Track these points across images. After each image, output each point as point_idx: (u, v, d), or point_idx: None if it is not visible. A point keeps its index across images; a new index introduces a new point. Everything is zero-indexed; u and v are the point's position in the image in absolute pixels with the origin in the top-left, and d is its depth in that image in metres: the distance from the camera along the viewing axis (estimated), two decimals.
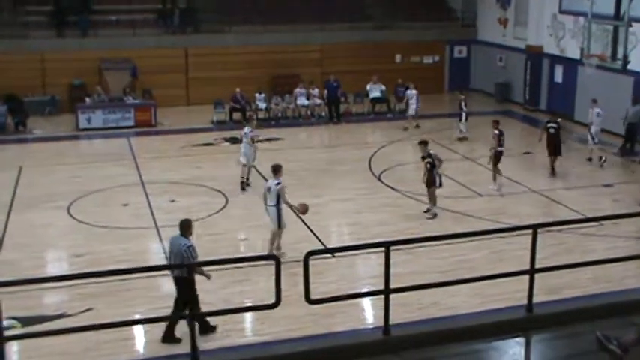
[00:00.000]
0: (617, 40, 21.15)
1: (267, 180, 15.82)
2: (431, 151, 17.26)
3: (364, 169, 21.37)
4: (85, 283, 12.07)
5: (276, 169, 14.72)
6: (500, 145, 19.05)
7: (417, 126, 26.18)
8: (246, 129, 19.54)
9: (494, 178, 19.23)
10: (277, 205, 14.46)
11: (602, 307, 9.46)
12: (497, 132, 19.14)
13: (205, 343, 10.79)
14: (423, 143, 17.43)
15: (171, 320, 11.42)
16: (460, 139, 24.43)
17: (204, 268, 11.13)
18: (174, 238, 11.40)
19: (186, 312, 10.88)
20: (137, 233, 16.28)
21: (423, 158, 17.24)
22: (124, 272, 11.13)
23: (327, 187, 19.72)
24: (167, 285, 13.15)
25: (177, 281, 11.26)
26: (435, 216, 17.14)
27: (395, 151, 23.63)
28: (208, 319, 11.53)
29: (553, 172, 20.46)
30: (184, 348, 9.74)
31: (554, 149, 20.24)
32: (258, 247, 15.64)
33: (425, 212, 17.36)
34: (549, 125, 20.42)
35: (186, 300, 11.01)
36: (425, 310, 12.16)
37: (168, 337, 11.36)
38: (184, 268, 11.00)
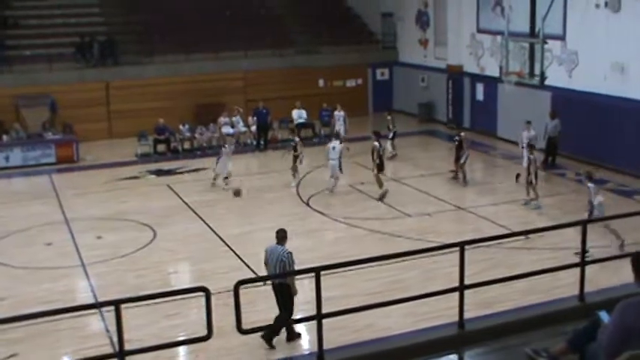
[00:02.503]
0: (533, 57, 21.71)
1: None
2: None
3: (292, 194, 21.33)
4: (9, 327, 11.59)
5: (338, 135, 23.01)
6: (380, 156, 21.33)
7: (347, 149, 26.28)
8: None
9: (381, 185, 20.99)
10: (339, 159, 21.28)
11: (532, 319, 9.56)
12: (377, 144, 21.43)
13: None
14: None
15: (285, 326, 12.13)
16: (390, 158, 24.83)
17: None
18: (273, 248, 12.23)
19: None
20: (63, 273, 15.81)
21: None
22: (50, 314, 10.70)
23: (256, 214, 19.58)
24: (95, 324, 12.82)
25: (279, 288, 11.97)
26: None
27: (322, 175, 23.62)
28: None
29: (456, 176, 22.19)
30: None
31: (457, 158, 22.07)
32: (187, 279, 15.45)
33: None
34: (455, 138, 22.38)
35: (285, 306, 11.79)
36: (359, 332, 12.11)
37: (291, 335, 12.32)
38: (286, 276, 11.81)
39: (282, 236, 12.33)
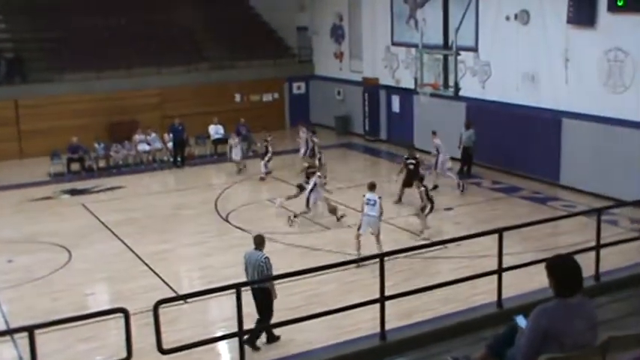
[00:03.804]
0: (447, 69, 22.09)
1: None
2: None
3: (211, 211, 21.08)
4: None
5: (373, 186, 17.28)
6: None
7: (242, 169, 25.90)
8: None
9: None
10: (380, 216, 17.05)
11: (452, 327, 9.69)
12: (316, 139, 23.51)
13: None
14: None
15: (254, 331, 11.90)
16: (261, 179, 24.46)
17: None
18: (251, 253, 12.27)
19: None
20: None
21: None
22: None
23: (174, 232, 19.30)
24: (7, 352, 12.36)
25: (259, 292, 11.87)
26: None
27: (239, 191, 23.53)
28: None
29: (400, 200, 21.14)
30: None
31: (410, 182, 20.35)
32: (105, 300, 15.08)
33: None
34: (409, 162, 21.17)
35: (262, 310, 11.85)
36: (281, 348, 12.02)
37: (250, 342, 11.78)
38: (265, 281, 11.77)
39: (259, 241, 12.39)
